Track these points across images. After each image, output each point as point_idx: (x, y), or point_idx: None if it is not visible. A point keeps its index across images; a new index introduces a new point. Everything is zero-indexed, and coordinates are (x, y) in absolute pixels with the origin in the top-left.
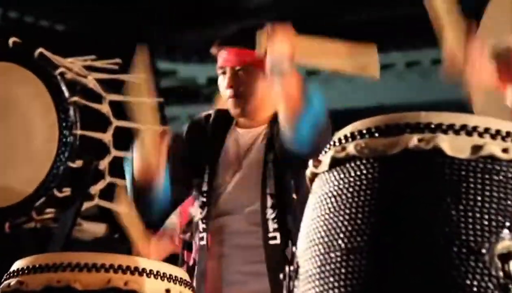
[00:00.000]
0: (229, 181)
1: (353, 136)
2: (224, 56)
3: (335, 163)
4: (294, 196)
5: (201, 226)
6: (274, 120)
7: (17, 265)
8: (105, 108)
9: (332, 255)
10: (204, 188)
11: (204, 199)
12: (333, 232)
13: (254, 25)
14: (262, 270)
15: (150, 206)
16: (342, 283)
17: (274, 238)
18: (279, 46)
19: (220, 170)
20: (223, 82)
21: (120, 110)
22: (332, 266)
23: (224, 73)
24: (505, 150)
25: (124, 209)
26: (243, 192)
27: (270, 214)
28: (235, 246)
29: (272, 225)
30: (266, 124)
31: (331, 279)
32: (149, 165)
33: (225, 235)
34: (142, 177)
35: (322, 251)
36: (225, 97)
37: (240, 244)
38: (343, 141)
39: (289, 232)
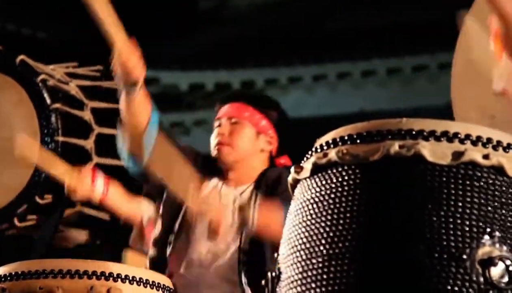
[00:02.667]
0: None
1: (335, 142)
2: (223, 110)
3: (317, 169)
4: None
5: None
6: (258, 181)
7: (0, 271)
8: (87, 115)
9: (314, 261)
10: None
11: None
12: (314, 238)
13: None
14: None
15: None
16: (323, 289)
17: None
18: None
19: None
20: (215, 132)
21: (102, 117)
22: (314, 272)
23: (219, 126)
24: (485, 156)
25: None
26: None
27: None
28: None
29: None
30: (248, 185)
31: (313, 285)
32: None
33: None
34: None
35: (304, 257)
36: (213, 146)
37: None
38: (325, 147)
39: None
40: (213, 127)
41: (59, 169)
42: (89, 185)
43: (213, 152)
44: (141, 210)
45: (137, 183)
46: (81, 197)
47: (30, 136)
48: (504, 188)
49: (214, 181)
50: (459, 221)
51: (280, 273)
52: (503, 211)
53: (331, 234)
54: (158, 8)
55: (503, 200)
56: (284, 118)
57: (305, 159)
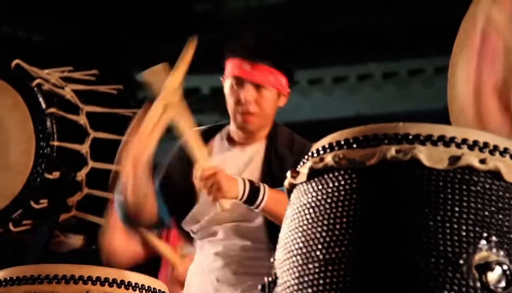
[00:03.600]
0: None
1: (331, 147)
2: (246, 70)
3: (313, 174)
4: None
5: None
6: (271, 139)
7: None
8: (82, 119)
9: (310, 266)
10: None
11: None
12: (311, 243)
13: (280, 41)
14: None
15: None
16: None
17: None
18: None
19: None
20: (235, 93)
21: (98, 121)
22: (310, 277)
23: (241, 87)
24: (482, 161)
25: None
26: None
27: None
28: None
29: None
30: (261, 142)
31: (309, 290)
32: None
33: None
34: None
35: (300, 262)
36: (232, 109)
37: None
38: (321, 152)
39: None
40: (226, 82)
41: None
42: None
43: (236, 119)
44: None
45: None
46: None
47: (25, 141)
48: (501, 193)
49: (219, 144)
50: (455, 226)
51: (276, 278)
52: (500, 216)
53: (327, 239)
54: (152, 11)
55: (500, 204)
56: (293, 69)
57: (301, 163)
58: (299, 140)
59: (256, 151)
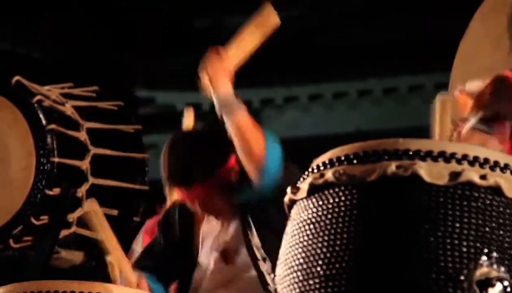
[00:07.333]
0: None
1: (331, 163)
2: (181, 194)
3: (313, 190)
4: None
5: None
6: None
7: None
8: (82, 135)
9: (311, 282)
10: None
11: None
12: (311, 258)
13: (185, 161)
14: None
15: None
16: None
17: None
18: (220, 84)
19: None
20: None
21: (98, 137)
22: None
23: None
24: (483, 177)
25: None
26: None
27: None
28: None
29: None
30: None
31: None
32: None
33: None
34: None
35: (301, 278)
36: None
37: None
38: (322, 168)
39: None
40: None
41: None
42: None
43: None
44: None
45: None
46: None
47: (26, 157)
48: (501, 209)
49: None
50: (456, 242)
51: None
52: (501, 232)
53: (328, 255)
54: (154, 27)
55: (501, 220)
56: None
57: (301, 179)
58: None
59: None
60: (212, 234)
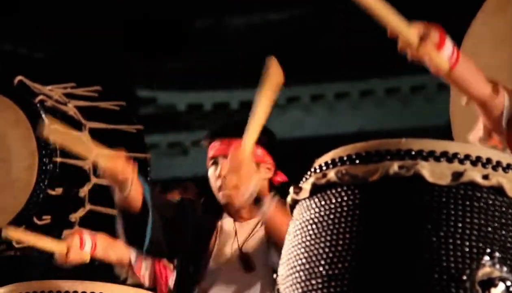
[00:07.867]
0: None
1: (334, 163)
2: (216, 147)
3: (316, 190)
4: None
5: None
6: None
7: None
8: (85, 135)
9: (313, 282)
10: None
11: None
12: (314, 258)
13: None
14: None
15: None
16: None
17: None
18: (249, 184)
19: (213, 262)
20: (214, 173)
21: (101, 137)
22: (314, 292)
23: (215, 164)
24: (485, 177)
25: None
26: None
27: None
28: None
29: None
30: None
31: None
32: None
33: None
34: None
35: (304, 278)
36: (215, 189)
37: None
38: (324, 168)
39: None
40: (208, 165)
41: (47, 244)
42: (79, 250)
43: (219, 198)
44: (128, 251)
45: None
46: (73, 263)
47: (28, 157)
48: (504, 209)
49: (228, 221)
50: (459, 242)
51: None
52: (503, 232)
53: (330, 255)
54: (154, 28)
55: (503, 220)
56: (273, 138)
57: (304, 179)
58: None
59: (254, 228)
60: (228, 237)
